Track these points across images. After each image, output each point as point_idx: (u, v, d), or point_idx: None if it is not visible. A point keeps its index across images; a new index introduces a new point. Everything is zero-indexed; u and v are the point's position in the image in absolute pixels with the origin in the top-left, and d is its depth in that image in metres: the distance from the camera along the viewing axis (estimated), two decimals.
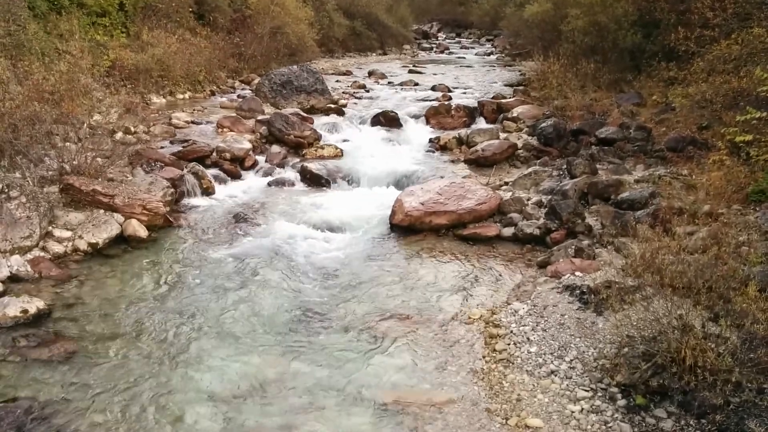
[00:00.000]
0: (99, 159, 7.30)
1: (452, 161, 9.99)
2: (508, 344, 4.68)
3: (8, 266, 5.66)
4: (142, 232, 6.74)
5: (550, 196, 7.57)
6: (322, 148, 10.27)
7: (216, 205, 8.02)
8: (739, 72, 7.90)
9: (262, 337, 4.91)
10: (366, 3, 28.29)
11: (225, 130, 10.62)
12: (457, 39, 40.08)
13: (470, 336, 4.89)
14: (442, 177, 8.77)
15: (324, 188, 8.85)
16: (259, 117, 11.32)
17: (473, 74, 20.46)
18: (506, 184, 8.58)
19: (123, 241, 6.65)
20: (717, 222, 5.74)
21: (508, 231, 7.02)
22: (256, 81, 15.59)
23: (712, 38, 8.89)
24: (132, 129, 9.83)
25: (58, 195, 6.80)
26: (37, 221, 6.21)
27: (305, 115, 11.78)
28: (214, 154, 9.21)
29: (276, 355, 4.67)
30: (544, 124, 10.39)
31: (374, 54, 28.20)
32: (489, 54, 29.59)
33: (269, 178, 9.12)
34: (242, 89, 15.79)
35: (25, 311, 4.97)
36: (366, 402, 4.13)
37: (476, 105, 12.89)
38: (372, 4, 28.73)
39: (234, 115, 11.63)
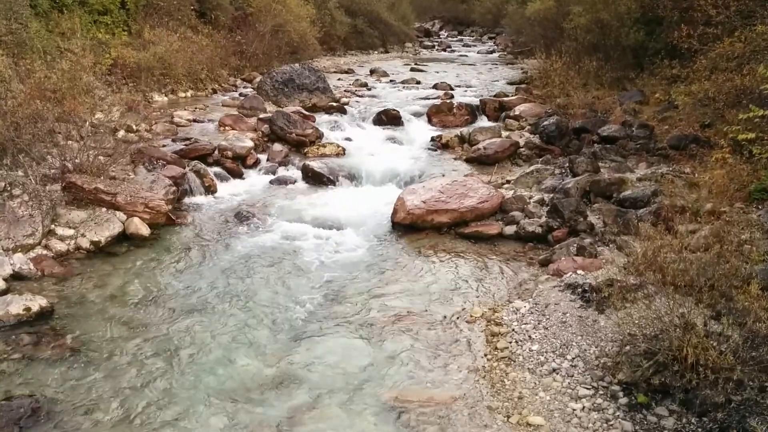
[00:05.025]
0: (101, 157, 7.31)
1: (454, 159, 9.99)
2: (510, 342, 4.68)
3: (11, 264, 5.67)
4: (145, 231, 6.75)
5: (552, 195, 7.56)
6: (324, 146, 10.27)
7: (218, 204, 8.03)
8: (742, 70, 7.87)
9: (264, 335, 4.92)
10: (368, 1, 28.20)
11: (227, 128, 10.62)
12: (459, 37, 39.98)
13: (472, 334, 4.89)
14: (443, 175, 8.77)
15: (326, 186, 8.85)
16: (261, 115, 11.31)
17: (475, 72, 20.42)
18: (508, 182, 8.57)
19: (125, 239, 6.66)
20: (719, 220, 5.72)
21: (509, 229, 7.01)
22: (257, 79, 15.58)
23: (715, 36, 8.86)
24: (134, 127, 9.84)
25: (61, 193, 6.81)
26: (40, 219, 6.22)
27: (307, 113, 11.77)
28: (216, 152, 9.21)
29: (278, 354, 4.68)
30: (546, 122, 10.38)
31: (376, 52, 28.13)
32: (491, 52, 29.51)
33: (271, 177, 9.13)
34: (244, 87, 15.78)
35: (27, 309, 4.98)
36: (368, 400, 4.13)
37: (478, 103, 12.88)
38: (374, 2, 28.63)
39: (236, 113, 11.62)
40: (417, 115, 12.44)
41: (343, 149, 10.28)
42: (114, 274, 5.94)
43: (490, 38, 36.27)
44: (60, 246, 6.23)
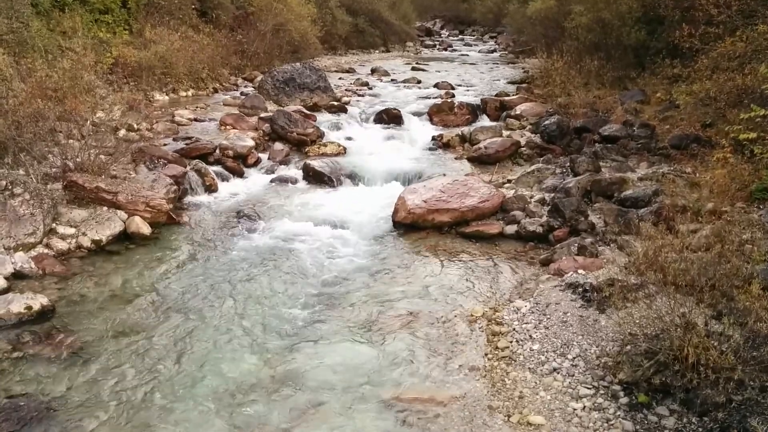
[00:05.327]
0: (102, 156, 7.31)
1: (455, 159, 9.98)
2: (511, 342, 4.68)
3: (12, 263, 5.68)
4: (146, 230, 6.76)
5: (553, 194, 7.56)
6: (325, 145, 10.26)
7: (219, 203, 8.03)
8: (743, 69, 7.87)
9: (265, 335, 4.93)
10: (369, 0, 28.22)
11: (228, 127, 10.62)
12: (460, 36, 39.95)
13: (473, 334, 4.89)
14: (444, 174, 8.76)
15: (326, 186, 8.85)
16: (262, 114, 11.32)
17: (476, 72, 20.41)
18: (509, 181, 8.57)
19: (126, 238, 6.67)
20: (720, 220, 5.72)
21: (510, 229, 7.01)
22: (258, 78, 15.58)
23: (716, 35, 8.85)
24: (135, 126, 9.84)
25: (62, 192, 6.81)
26: (41, 218, 6.23)
27: (308, 112, 11.78)
28: (217, 151, 9.21)
29: (278, 353, 4.68)
30: (547, 122, 10.37)
31: (377, 51, 28.11)
32: (492, 51, 29.50)
33: (272, 176, 9.13)
34: (245, 87, 15.78)
35: (29, 308, 4.99)
36: (369, 399, 4.14)
37: (479, 102, 12.88)
38: (375, 1, 28.64)
39: (237, 112, 11.63)
40: (418, 114, 12.44)
41: (344, 148, 10.28)
42: (115, 272, 5.95)
43: (491, 37, 36.25)
44: (61, 245, 6.24)
